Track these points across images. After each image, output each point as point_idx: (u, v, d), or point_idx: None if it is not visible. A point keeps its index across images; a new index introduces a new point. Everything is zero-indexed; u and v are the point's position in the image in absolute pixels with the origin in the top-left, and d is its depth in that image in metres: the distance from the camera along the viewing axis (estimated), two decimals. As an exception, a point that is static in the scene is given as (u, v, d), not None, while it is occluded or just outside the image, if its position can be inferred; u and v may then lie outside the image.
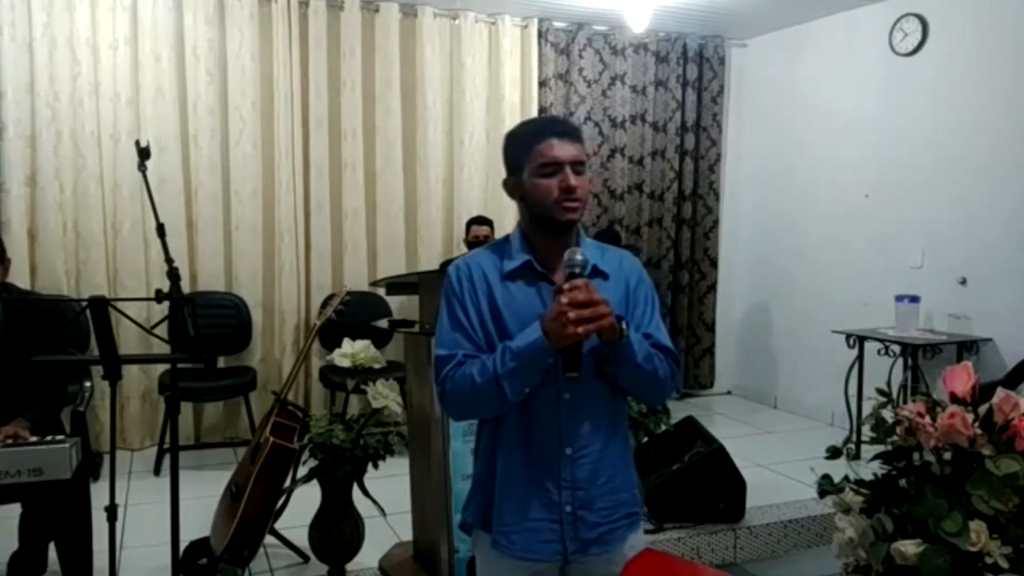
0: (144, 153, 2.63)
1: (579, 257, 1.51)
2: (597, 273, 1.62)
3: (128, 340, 4.48)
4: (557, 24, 5.65)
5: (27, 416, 2.72)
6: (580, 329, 1.43)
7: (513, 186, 1.65)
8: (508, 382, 1.50)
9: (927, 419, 1.83)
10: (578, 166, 1.58)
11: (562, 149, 1.57)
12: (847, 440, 4.70)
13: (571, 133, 1.61)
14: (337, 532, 3.09)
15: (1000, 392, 1.82)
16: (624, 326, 1.51)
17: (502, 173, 1.69)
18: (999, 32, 4.43)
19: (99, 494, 2.78)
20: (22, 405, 2.75)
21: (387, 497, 3.16)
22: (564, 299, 1.44)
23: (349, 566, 3.14)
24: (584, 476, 1.61)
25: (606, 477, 1.63)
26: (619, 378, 1.59)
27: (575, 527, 1.61)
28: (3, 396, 2.72)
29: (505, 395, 1.51)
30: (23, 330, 2.77)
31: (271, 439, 2.95)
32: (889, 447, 1.96)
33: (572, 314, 1.43)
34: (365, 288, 4.89)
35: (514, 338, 1.53)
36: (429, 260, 5.33)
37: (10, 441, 2.54)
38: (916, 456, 1.91)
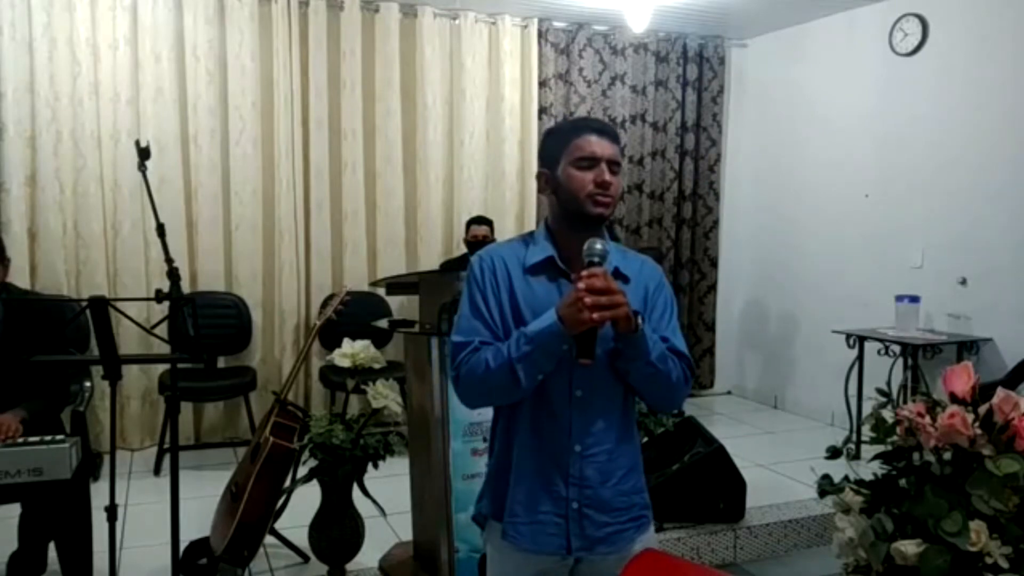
0: (144, 153, 2.63)
1: (599, 246, 1.51)
2: (618, 276, 1.62)
3: (128, 340, 4.48)
4: (557, 24, 5.64)
5: (27, 408, 2.72)
6: (596, 315, 1.44)
7: (546, 179, 1.68)
8: (522, 366, 1.51)
9: (927, 419, 1.84)
10: (614, 165, 1.62)
11: (600, 146, 1.61)
12: (847, 440, 4.62)
13: (610, 133, 1.64)
14: (337, 532, 3.08)
15: (1000, 392, 1.82)
16: (640, 320, 1.52)
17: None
18: (999, 32, 4.43)
19: (99, 494, 2.78)
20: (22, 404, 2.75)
21: (387, 497, 3.16)
22: (581, 285, 1.46)
23: (349, 566, 3.13)
24: (593, 475, 1.62)
25: (617, 478, 1.65)
26: (631, 375, 1.59)
27: (580, 524, 1.62)
28: (3, 396, 2.72)
29: (519, 380, 1.52)
30: (23, 330, 2.76)
31: (271, 439, 2.95)
32: (889, 447, 1.97)
33: (588, 299, 1.44)
34: (365, 288, 4.90)
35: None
36: (429, 260, 5.33)
37: (9, 440, 2.55)
38: (916, 456, 1.91)
